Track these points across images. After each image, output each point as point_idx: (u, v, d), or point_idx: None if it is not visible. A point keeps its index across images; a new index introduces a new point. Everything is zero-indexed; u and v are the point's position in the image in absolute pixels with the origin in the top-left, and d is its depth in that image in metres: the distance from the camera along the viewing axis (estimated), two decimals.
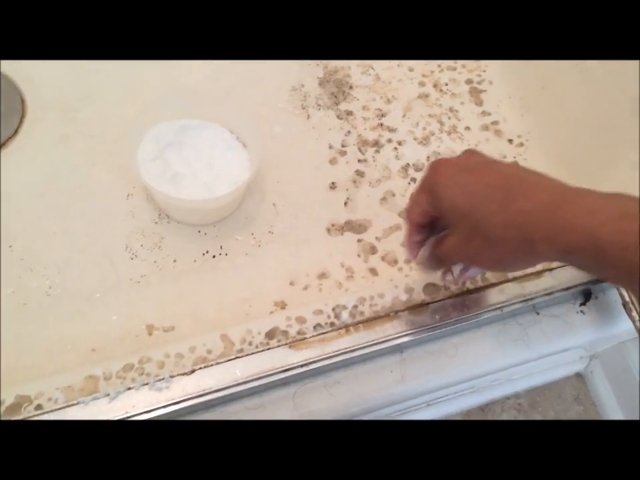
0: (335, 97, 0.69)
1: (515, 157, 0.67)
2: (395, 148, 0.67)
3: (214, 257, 0.59)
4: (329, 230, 0.61)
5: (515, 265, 0.39)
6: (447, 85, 0.71)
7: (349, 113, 0.68)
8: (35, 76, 0.67)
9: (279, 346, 0.49)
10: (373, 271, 0.58)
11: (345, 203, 0.63)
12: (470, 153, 0.41)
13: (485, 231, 0.37)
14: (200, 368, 0.47)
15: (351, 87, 0.70)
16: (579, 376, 1.04)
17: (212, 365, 0.47)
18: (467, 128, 0.69)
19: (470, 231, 0.38)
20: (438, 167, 0.41)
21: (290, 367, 0.48)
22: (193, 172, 0.58)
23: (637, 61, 0.65)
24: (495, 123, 0.69)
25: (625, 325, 0.56)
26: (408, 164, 0.66)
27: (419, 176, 0.65)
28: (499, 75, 0.73)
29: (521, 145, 0.67)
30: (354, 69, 0.71)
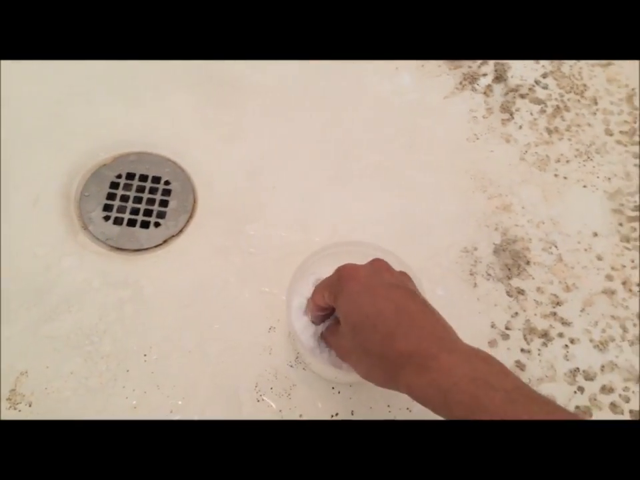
0: (509, 269, 0.63)
1: None
2: (566, 345, 0.59)
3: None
4: None
5: (378, 385, 0.43)
6: (638, 285, 0.63)
7: (520, 292, 0.62)
8: (213, 180, 0.67)
9: None
10: None
11: None
12: (375, 268, 0.45)
13: (364, 351, 0.42)
14: None
15: (527, 263, 0.64)
16: None
17: None
18: None
19: (354, 341, 0.43)
20: (344, 279, 0.44)
21: None
22: None
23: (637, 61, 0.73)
24: None
25: None
26: (577, 369, 0.58)
27: (588, 385, 0.57)
28: None
29: None
30: (535, 243, 0.65)
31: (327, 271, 0.56)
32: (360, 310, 0.42)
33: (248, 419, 0.53)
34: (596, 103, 0.75)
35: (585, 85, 0.77)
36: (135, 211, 0.65)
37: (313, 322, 0.51)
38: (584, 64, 0.78)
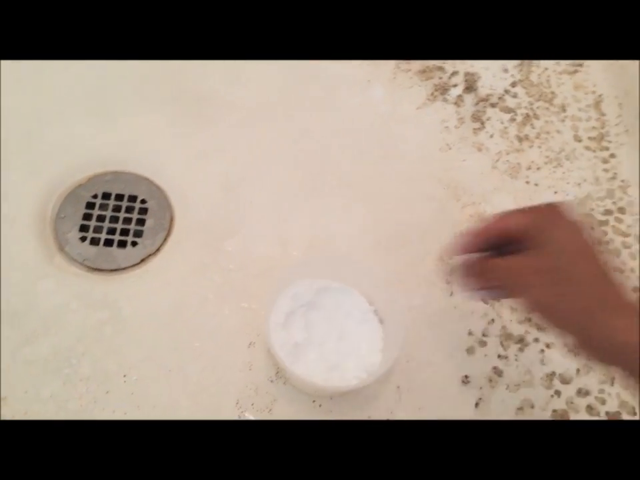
0: None
1: None
2: (542, 350, 0.60)
3: None
4: None
5: (552, 311, 0.41)
6: None
7: (496, 299, 0.63)
8: (189, 197, 0.67)
9: None
10: None
11: (477, 404, 0.57)
12: (579, 226, 0.42)
13: (568, 277, 0.40)
14: None
15: None
16: None
17: None
18: None
19: (558, 262, 0.40)
20: (562, 211, 0.43)
21: None
22: (321, 341, 0.55)
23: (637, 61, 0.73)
24: None
25: None
26: (554, 372, 0.59)
27: (565, 389, 0.58)
28: None
29: None
30: None
31: (306, 284, 0.57)
32: (581, 238, 0.42)
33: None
34: (564, 110, 0.77)
35: (553, 93, 0.79)
36: (111, 231, 0.65)
37: (462, 249, 0.47)
38: (552, 72, 0.80)
